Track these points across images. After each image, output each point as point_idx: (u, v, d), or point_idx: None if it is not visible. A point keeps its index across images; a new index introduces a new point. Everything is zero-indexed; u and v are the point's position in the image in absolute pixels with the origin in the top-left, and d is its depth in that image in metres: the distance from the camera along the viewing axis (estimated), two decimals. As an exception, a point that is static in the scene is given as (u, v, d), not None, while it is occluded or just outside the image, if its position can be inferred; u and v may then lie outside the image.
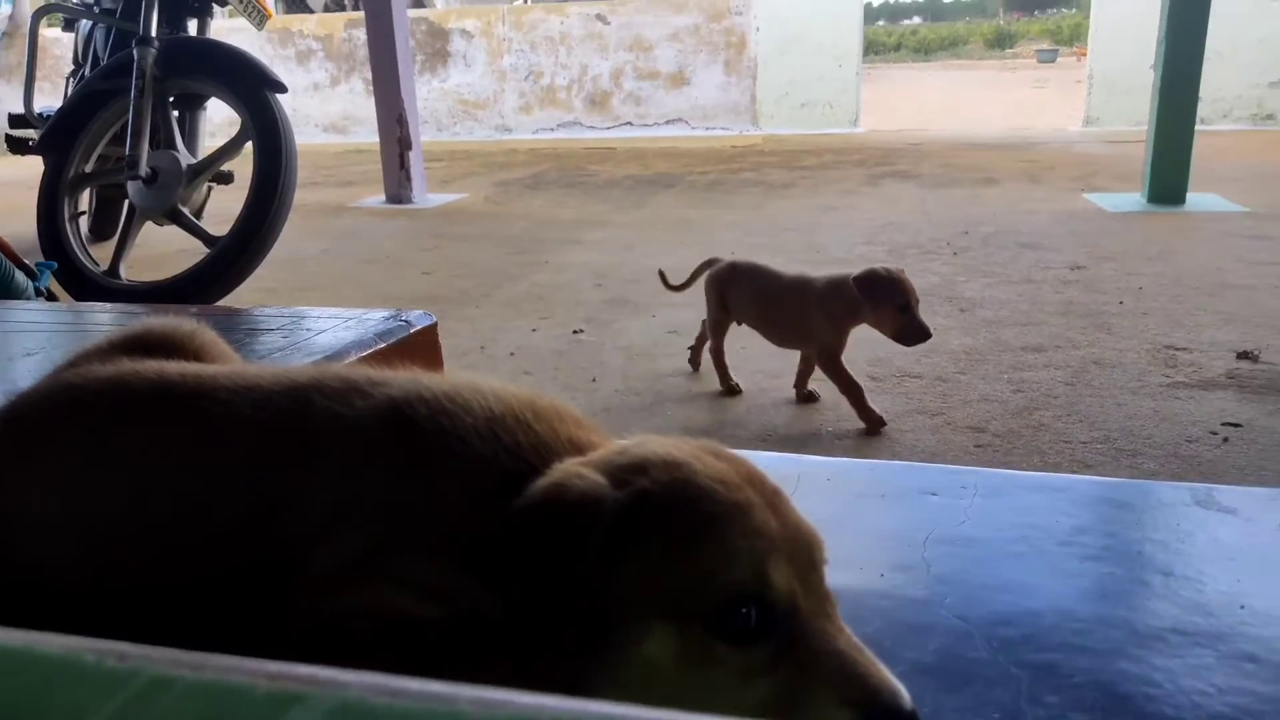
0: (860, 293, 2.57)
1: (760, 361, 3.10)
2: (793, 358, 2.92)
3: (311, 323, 1.70)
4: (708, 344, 3.02)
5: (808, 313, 2.71)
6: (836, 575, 0.91)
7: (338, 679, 0.48)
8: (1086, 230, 5.16)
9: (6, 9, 11.63)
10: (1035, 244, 4.82)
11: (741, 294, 2.89)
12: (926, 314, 3.71)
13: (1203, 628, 0.81)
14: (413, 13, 11.18)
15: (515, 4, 18.23)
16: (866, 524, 0.99)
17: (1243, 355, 2.99)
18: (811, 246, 4.97)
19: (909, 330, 2.61)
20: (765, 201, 6.56)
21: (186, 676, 0.49)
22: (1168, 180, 5.77)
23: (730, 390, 2.93)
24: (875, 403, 2.66)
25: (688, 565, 0.63)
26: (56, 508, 0.79)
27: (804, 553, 0.67)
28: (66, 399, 0.82)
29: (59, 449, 0.80)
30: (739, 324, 2.98)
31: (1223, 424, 2.50)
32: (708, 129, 11.47)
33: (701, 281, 3.04)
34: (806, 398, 2.88)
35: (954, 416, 2.69)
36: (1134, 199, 5.96)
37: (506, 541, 0.65)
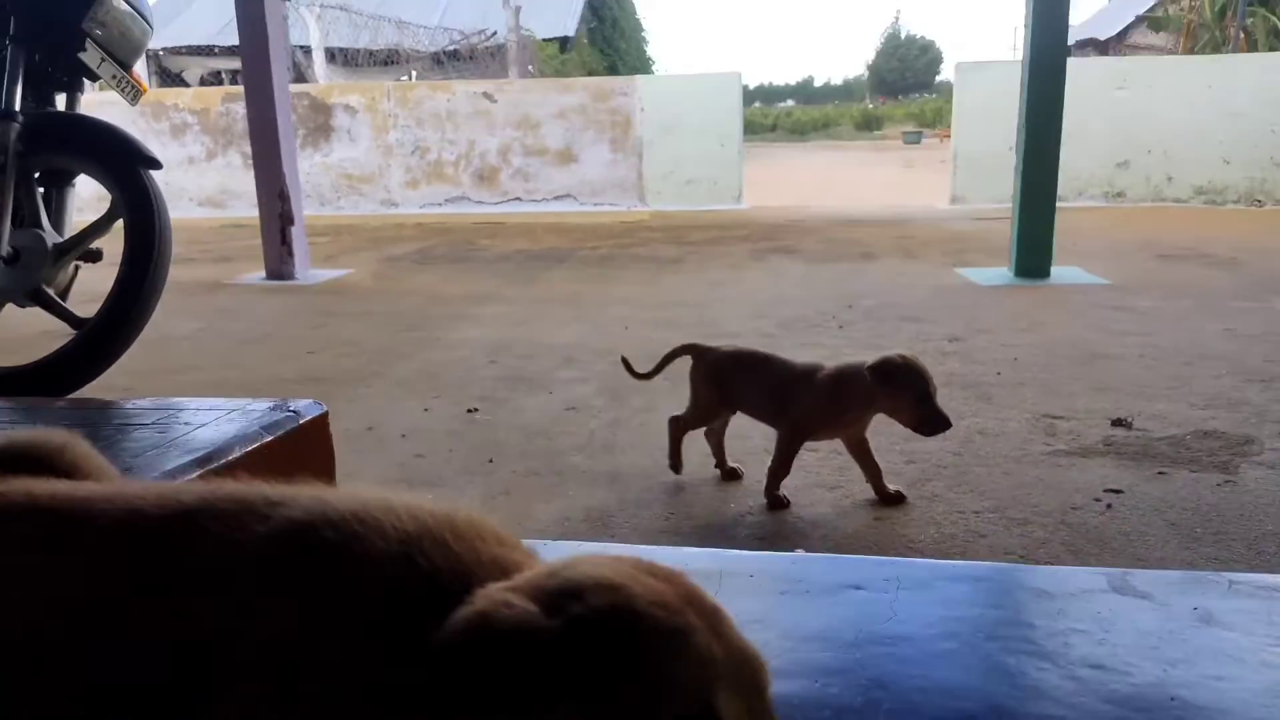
0: (876, 382, 2.47)
1: (662, 439, 3.07)
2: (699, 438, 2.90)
3: (189, 415, 1.58)
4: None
5: (819, 401, 2.59)
6: (773, 683, 0.88)
7: None
8: (961, 303, 5.39)
9: None
10: (915, 317, 4.99)
11: (743, 383, 2.75)
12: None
13: (1140, 724, 0.80)
14: (294, 87, 11.03)
15: (399, 81, 18.26)
16: (794, 623, 0.96)
17: (1117, 423, 3.13)
18: (704, 320, 5.04)
19: (929, 420, 2.48)
20: (656, 276, 6.64)
21: None
22: (1033, 255, 6.10)
23: (675, 466, 2.85)
24: (775, 477, 2.66)
25: (628, 699, 0.59)
26: None
27: (749, 678, 0.63)
28: None
29: None
30: (733, 412, 2.84)
31: (1105, 490, 2.59)
32: (596, 205, 11.63)
33: (672, 369, 2.92)
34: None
35: (852, 490, 2.72)
36: (1003, 273, 6.28)
37: (429, 680, 0.59)
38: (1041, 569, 1.01)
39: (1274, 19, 19.88)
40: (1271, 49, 18.94)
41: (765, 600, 1.01)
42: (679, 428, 2.87)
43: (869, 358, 2.53)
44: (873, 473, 2.66)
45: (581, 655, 0.59)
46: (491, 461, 2.96)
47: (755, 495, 2.65)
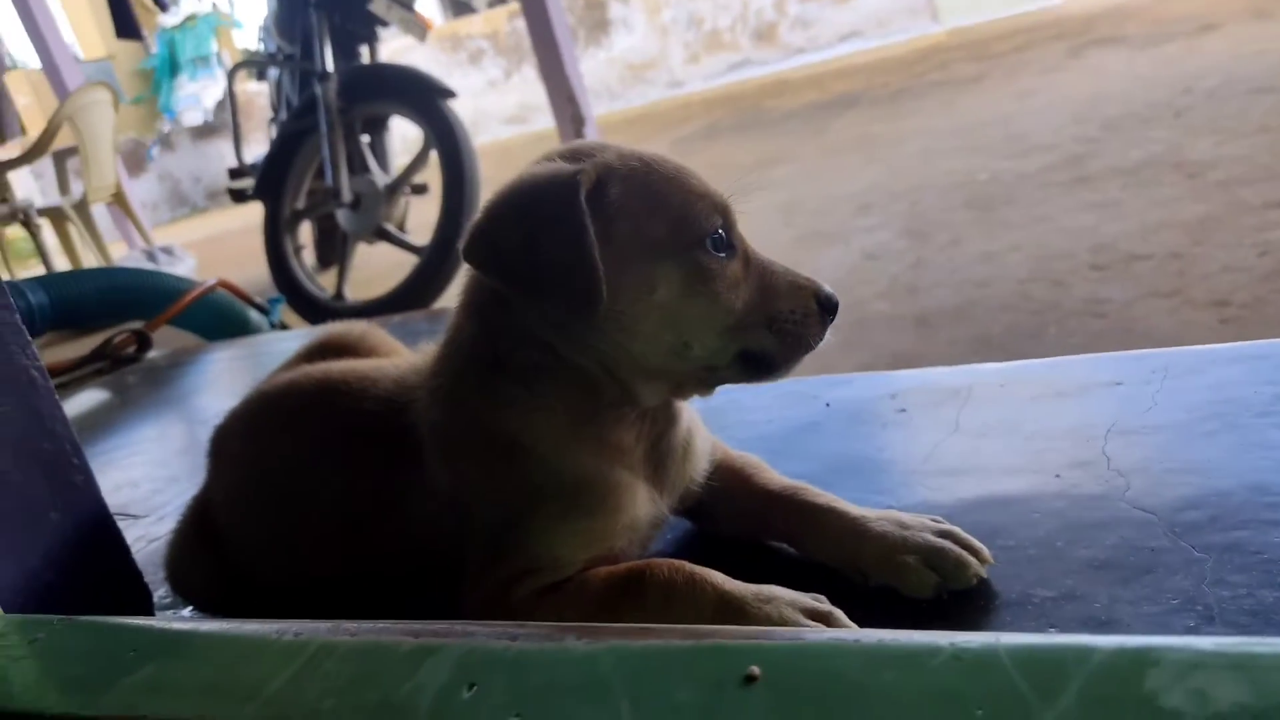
0: None
1: (970, 273, 2.93)
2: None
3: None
4: None
5: None
6: (1004, 483, 0.88)
7: (466, 629, 0.54)
8: (1334, 58, 4.51)
9: (219, 75, 12.89)
10: (1270, 87, 4.26)
11: None
12: (1150, 187, 3.41)
13: None
14: (568, -10, 11.36)
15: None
16: (1040, 426, 0.93)
17: None
18: (1011, 138, 4.65)
19: None
20: (955, 100, 6.19)
21: (347, 641, 0.57)
22: None
23: None
24: (1100, 292, 2.46)
25: (663, 209, 0.80)
26: (250, 498, 0.94)
27: (731, 212, 0.86)
28: (256, 405, 1.00)
29: (249, 447, 0.97)
30: None
31: None
32: (885, 37, 10.91)
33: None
34: None
35: (1192, 294, 2.45)
36: (1393, 8, 5.13)
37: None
38: (1338, 339, 0.89)
39: None
40: None
41: (1012, 407, 0.98)
42: None
43: None
44: None
45: (613, 190, 0.80)
46: (792, 318, 3.00)
47: (1069, 310, 2.47)
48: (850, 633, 0.48)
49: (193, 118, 13.05)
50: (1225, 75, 4.73)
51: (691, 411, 0.93)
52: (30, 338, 0.88)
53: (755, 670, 0.44)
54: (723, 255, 0.82)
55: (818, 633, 0.50)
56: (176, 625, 0.65)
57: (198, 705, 0.53)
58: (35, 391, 0.86)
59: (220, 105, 12.64)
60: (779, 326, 0.83)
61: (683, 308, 0.80)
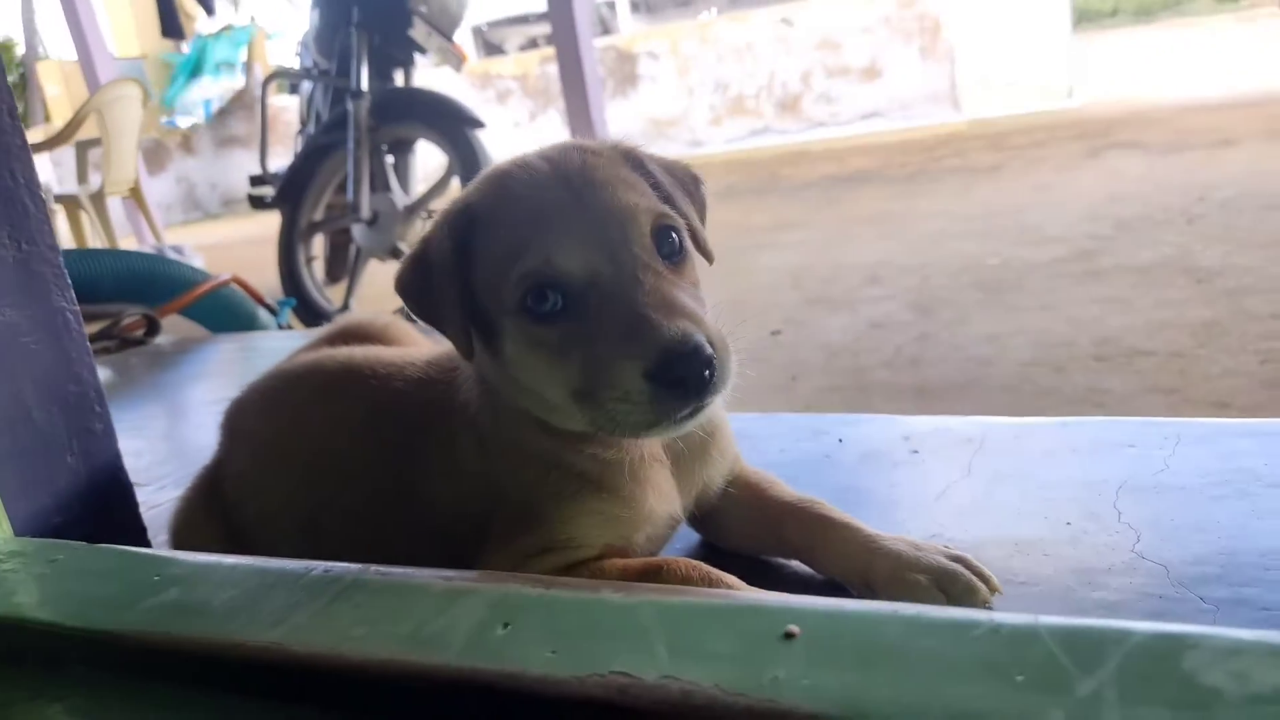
0: None
1: (973, 350, 2.95)
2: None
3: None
4: None
5: None
6: (1015, 525, 0.89)
7: (499, 577, 0.55)
8: (1347, 183, 4.61)
9: (240, 80, 13.09)
10: (1283, 204, 4.35)
11: None
12: (1159, 288, 3.46)
13: None
14: (600, 41, 11.57)
15: (699, 19, 18.39)
16: (1053, 477, 0.94)
17: None
18: (1024, 228, 4.72)
19: None
20: (971, 187, 6.29)
21: (378, 579, 0.57)
22: None
23: None
24: (1101, 383, 2.49)
25: (499, 263, 0.73)
26: (267, 473, 0.94)
27: (612, 231, 0.72)
28: (277, 381, 0.99)
29: (268, 423, 0.95)
30: None
31: None
32: (906, 120, 11.12)
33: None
34: None
35: (1193, 394, 2.47)
36: (1404, 143, 5.26)
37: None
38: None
39: None
40: None
41: (1025, 459, 0.99)
42: None
43: None
44: None
45: (477, 234, 0.77)
46: (794, 379, 3.02)
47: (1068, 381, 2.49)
48: (888, 604, 0.49)
49: (190, 121, 13.21)
50: (1240, 188, 4.82)
51: (718, 410, 0.88)
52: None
53: (794, 629, 0.45)
54: (553, 314, 0.72)
55: (856, 601, 0.51)
56: (200, 557, 0.65)
57: (223, 627, 0.53)
58: (68, 334, 0.86)
59: (224, 113, 12.86)
60: (605, 410, 0.69)
61: (529, 365, 0.75)
